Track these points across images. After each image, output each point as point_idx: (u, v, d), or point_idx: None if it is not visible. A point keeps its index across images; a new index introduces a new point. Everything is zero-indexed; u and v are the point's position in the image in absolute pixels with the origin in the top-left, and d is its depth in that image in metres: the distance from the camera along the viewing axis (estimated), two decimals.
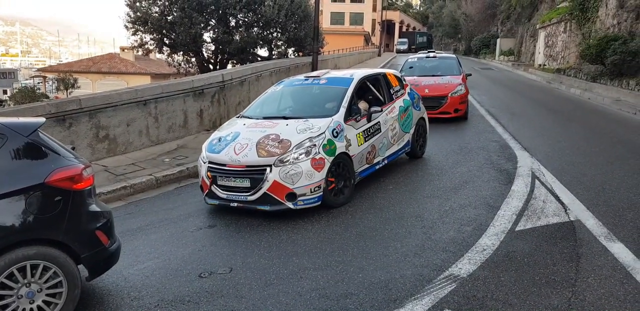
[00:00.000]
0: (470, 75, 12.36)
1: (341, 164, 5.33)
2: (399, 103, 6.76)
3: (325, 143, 5.18)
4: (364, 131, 5.81)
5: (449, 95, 10.34)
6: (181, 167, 7.16)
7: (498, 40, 37.09)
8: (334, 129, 5.37)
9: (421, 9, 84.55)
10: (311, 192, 5.00)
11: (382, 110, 6.12)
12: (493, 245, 4.17)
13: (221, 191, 5.20)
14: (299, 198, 4.96)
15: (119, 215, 5.25)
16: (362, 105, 6.19)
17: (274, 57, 19.88)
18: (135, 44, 19.36)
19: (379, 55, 44.15)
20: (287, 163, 4.96)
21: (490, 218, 4.79)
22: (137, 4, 18.09)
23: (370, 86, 6.55)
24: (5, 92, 32.86)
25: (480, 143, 8.36)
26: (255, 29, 19.05)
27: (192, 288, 3.68)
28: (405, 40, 57.17)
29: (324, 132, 5.26)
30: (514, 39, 35.44)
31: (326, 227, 4.82)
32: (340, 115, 5.56)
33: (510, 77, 22.81)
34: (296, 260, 4.05)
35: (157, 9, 18.26)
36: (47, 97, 24.58)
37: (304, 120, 5.50)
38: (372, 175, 6.53)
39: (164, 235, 4.83)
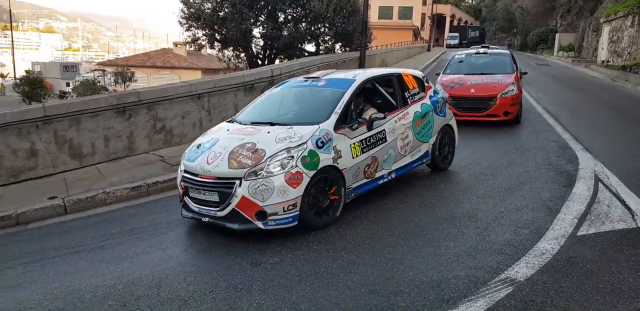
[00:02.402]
0: (525, 73, 11.34)
1: (327, 179, 4.62)
2: (414, 108, 5.87)
3: (306, 155, 4.45)
4: (361, 141, 5.01)
5: (498, 96, 9.32)
6: None
7: (557, 34, 35.55)
8: (319, 139, 4.61)
9: (473, 2, 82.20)
10: (284, 211, 4.30)
11: (384, 117, 5.25)
12: (552, 249, 3.99)
13: (193, 203, 4.72)
14: (270, 218, 4.30)
15: (175, 204, 5.40)
16: (370, 110, 5.41)
17: (321, 52, 19.88)
18: (189, 40, 19.88)
19: (429, 50, 43.30)
20: (258, 177, 4.30)
21: (549, 221, 4.59)
22: (191, 0, 18.53)
23: (380, 88, 5.71)
24: (68, 84, 34.63)
25: (538, 142, 8.02)
26: (304, 24, 19.10)
27: (244, 277, 3.74)
28: (456, 34, 55.76)
29: (305, 142, 4.52)
30: (574, 33, 33.85)
31: (375, 223, 4.77)
32: (329, 123, 4.80)
33: (570, 74, 21.79)
34: (345, 255, 4.03)
35: (209, 5, 18.64)
36: (107, 90, 25.71)
37: (289, 127, 4.79)
38: (422, 173, 6.42)
39: (212, 226, 4.92)
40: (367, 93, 5.67)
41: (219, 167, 4.49)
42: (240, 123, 5.24)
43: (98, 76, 36.82)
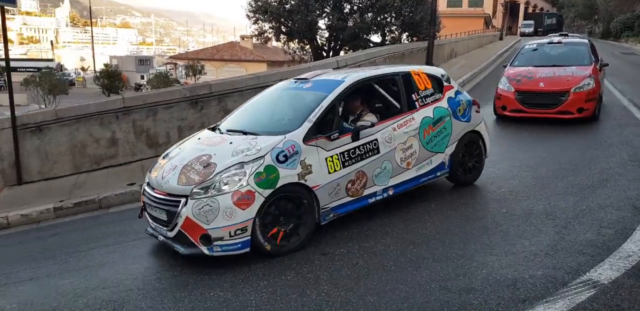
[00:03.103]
0: (606, 65, 10.05)
1: (291, 199, 4.00)
2: (424, 113, 4.98)
3: (261, 171, 3.84)
4: (342, 153, 4.27)
5: (572, 90, 8.32)
6: None
7: None
8: (282, 152, 3.97)
9: None
10: (231, 236, 3.74)
11: (372, 125, 4.52)
12: None
13: (150, 220, 4.34)
14: (215, 243, 3.76)
15: None
16: (369, 116, 4.76)
17: (386, 42, 19.60)
18: (256, 33, 20.31)
19: (501, 38, 41.46)
20: (203, 196, 3.77)
21: (637, 221, 4.25)
22: None
23: (381, 90, 4.88)
24: (142, 77, 36.52)
25: (623, 137, 7.47)
26: (370, 14, 18.89)
27: (312, 266, 3.78)
28: (531, 22, 52.86)
29: (262, 156, 3.91)
30: None
31: (445, 218, 4.65)
32: (299, 133, 4.13)
33: None
34: (414, 249, 3.97)
35: None
36: (179, 82, 26.87)
37: (254, 137, 4.24)
38: (495, 167, 6.16)
39: None
40: (365, 96, 4.89)
41: (169, 182, 4.04)
42: (218, 131, 4.72)
43: (170, 69, 38.55)
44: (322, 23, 19.34)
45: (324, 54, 19.63)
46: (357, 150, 4.40)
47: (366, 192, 4.52)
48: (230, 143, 4.22)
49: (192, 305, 3.33)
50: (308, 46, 20.14)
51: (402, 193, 4.89)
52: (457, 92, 5.51)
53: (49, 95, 20.04)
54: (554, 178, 5.67)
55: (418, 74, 5.20)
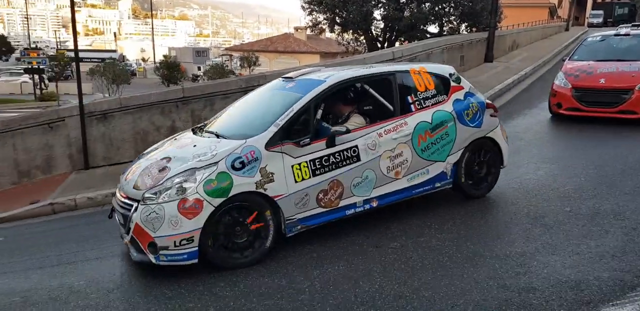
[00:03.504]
0: None
1: (249, 209, 3.74)
2: (420, 117, 4.48)
3: (213, 178, 3.60)
4: (312, 161, 3.93)
5: (636, 88, 7.60)
6: None
7: None
8: (238, 158, 3.71)
9: None
10: (176, 246, 3.53)
11: (347, 131, 4.10)
12: None
13: (118, 223, 4.16)
14: (161, 252, 3.57)
15: None
16: (356, 118, 4.35)
17: (444, 33, 19.09)
18: (310, 24, 20.34)
19: (567, 29, 39.38)
20: (151, 202, 3.61)
21: None
22: None
23: (372, 91, 4.42)
24: (199, 68, 37.57)
25: None
26: (427, 4, 18.44)
27: (365, 258, 3.78)
28: (600, 12, 49.77)
29: (216, 162, 3.67)
30: None
31: (503, 214, 4.51)
32: (262, 138, 3.83)
33: None
34: (471, 246, 3.87)
35: None
36: (234, 74, 27.45)
37: (219, 140, 4.05)
38: (556, 165, 5.89)
39: None
40: (355, 97, 4.47)
41: (128, 185, 3.94)
42: (199, 132, 4.50)
43: (226, 60, 39.44)
44: (377, 13, 19.12)
45: (379, 45, 19.40)
46: (331, 157, 4.02)
47: (343, 203, 4.13)
48: (194, 146, 4.06)
49: (247, 290, 3.42)
50: (362, 37, 19.97)
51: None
52: (469, 94, 4.88)
53: (113, 84, 21.03)
54: (621, 177, 5.36)
55: (419, 73, 4.66)
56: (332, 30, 20.51)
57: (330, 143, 4.00)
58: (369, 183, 4.23)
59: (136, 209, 3.66)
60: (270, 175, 3.79)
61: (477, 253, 3.74)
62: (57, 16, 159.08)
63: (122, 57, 51.58)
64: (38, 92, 29.41)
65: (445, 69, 4.97)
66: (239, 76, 19.73)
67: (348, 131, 4.12)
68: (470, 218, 4.45)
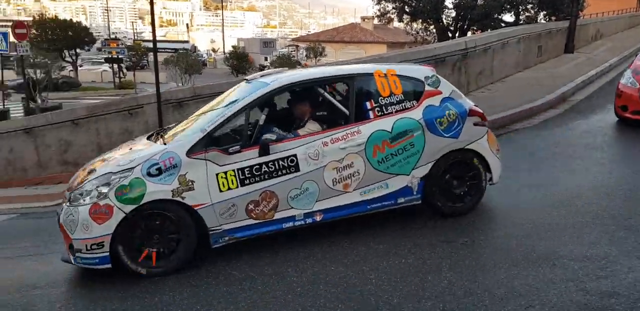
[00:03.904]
0: None
1: (163, 217, 3.62)
2: (379, 124, 4.05)
3: (125, 184, 3.52)
4: (241, 170, 3.72)
5: None
6: None
7: None
8: (155, 164, 3.60)
9: None
10: (87, 250, 3.51)
11: (277, 138, 3.83)
12: None
13: None
14: (76, 254, 3.56)
15: None
16: (312, 125, 4.04)
17: (520, 22, 18.18)
18: (378, 13, 20.08)
19: None
20: (71, 204, 3.63)
21: None
22: None
23: (328, 96, 4.17)
24: (266, 58, 38.25)
25: None
26: None
27: (434, 253, 3.71)
28: None
29: (132, 168, 3.58)
30: None
31: (582, 214, 4.25)
32: (184, 144, 3.71)
33: None
34: (548, 245, 3.69)
35: None
36: (300, 64, 27.74)
37: (150, 145, 4.00)
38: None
39: None
40: (310, 101, 4.19)
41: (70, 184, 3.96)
42: (154, 136, 4.36)
43: (292, 51, 39.90)
44: (449, 2, 18.54)
45: (449, 35, 18.82)
46: (264, 166, 3.77)
47: (278, 216, 3.86)
48: (130, 149, 4.04)
49: (314, 277, 3.46)
50: (432, 26, 19.48)
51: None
52: (447, 99, 4.28)
53: (185, 74, 21.92)
54: None
55: (385, 76, 4.17)
56: (400, 20, 20.15)
57: (264, 152, 3.75)
58: (309, 195, 3.90)
59: (62, 209, 3.71)
60: (190, 183, 3.62)
61: (554, 253, 3.56)
62: (135, 8, 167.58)
63: (194, 48, 53.50)
64: (117, 80, 31.23)
65: (421, 71, 4.37)
66: (305, 66, 19.90)
67: (278, 139, 3.84)
68: (547, 216, 4.24)
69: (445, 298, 3.07)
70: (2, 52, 19.65)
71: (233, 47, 39.73)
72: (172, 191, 3.58)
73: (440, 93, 4.28)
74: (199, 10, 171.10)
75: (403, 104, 4.16)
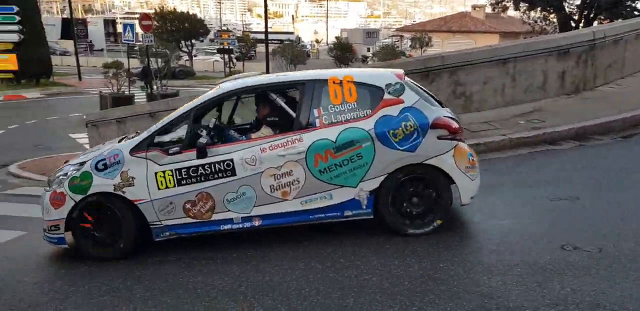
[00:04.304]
0: None
1: (106, 208, 3.99)
2: (322, 133, 3.90)
3: (77, 176, 4.00)
4: (179, 170, 3.89)
5: None
6: (537, 131, 6.80)
7: None
8: (102, 160, 4.01)
9: None
10: (49, 230, 4.10)
11: (206, 143, 3.87)
12: None
13: None
14: (44, 233, 4.20)
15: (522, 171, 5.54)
16: (265, 130, 4.12)
17: None
18: (492, 1, 19.04)
19: None
20: (45, 188, 4.29)
21: None
22: None
23: (280, 102, 4.14)
24: (369, 49, 38.05)
25: None
26: None
27: (553, 258, 3.48)
28: None
29: (85, 162, 4.10)
30: None
31: None
32: (130, 142, 4.07)
33: None
34: None
35: None
36: (404, 54, 27.25)
37: (114, 143, 4.45)
38: None
39: (519, 198, 4.76)
40: (263, 107, 4.27)
41: None
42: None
43: (395, 41, 39.24)
44: None
45: (572, 25, 17.33)
46: (200, 168, 3.88)
47: (216, 217, 3.96)
48: (104, 144, 4.55)
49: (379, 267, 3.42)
50: (553, 15, 18.07)
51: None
52: (408, 109, 3.94)
53: (290, 64, 22.56)
54: None
55: (340, 83, 3.99)
56: (516, 8, 18.96)
57: (201, 155, 3.87)
58: (247, 200, 3.93)
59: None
60: (131, 180, 3.92)
61: None
62: (244, 0, 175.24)
63: (298, 39, 54.79)
64: (227, 70, 33.02)
65: (383, 78, 4.05)
66: (410, 57, 19.48)
67: (208, 143, 3.89)
68: None
69: (568, 307, 2.86)
70: (129, 41, 21.67)
71: (336, 37, 40.07)
72: (114, 185, 3.94)
73: (402, 102, 3.96)
74: (303, 2, 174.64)
75: (355, 113, 3.96)
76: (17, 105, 20.98)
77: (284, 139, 3.94)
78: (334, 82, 4.01)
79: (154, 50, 22.22)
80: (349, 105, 3.97)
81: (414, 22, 67.50)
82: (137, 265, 3.88)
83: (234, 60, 34.58)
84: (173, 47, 26.78)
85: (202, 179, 3.92)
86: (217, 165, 3.91)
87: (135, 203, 3.96)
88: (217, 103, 4.32)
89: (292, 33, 65.48)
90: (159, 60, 21.94)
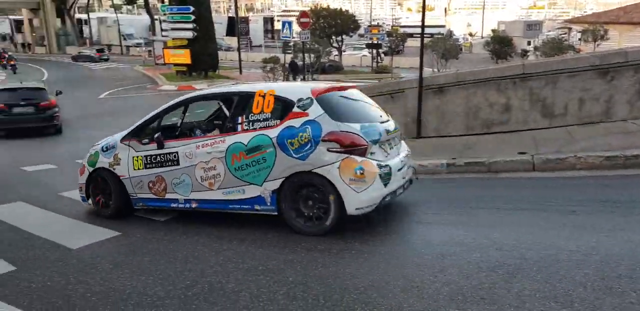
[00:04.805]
0: None
1: (104, 179, 5.37)
2: (240, 137, 4.57)
3: (92, 154, 5.51)
4: (145, 156, 5.07)
5: None
6: None
7: None
8: (106, 144, 5.42)
9: None
10: (79, 190, 5.66)
11: (157, 137, 4.97)
12: None
13: None
14: (79, 192, 5.71)
15: None
16: (215, 131, 5.12)
17: None
18: None
19: None
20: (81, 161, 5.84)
21: None
22: None
23: (224, 108, 5.20)
24: (529, 43, 35.11)
25: None
26: None
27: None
28: None
29: (98, 144, 5.57)
30: None
31: None
32: (121, 134, 5.39)
33: None
34: None
35: None
36: (573, 49, 24.54)
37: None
38: None
39: None
40: (213, 112, 5.67)
41: None
42: None
43: (562, 34, 35.53)
44: None
45: None
46: (158, 157, 4.99)
47: (168, 196, 5.01)
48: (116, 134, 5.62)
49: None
50: None
51: None
52: (309, 122, 4.34)
53: (441, 59, 21.80)
54: None
55: (264, 96, 4.62)
56: None
57: (159, 146, 4.96)
58: (186, 185, 4.89)
59: None
60: (119, 160, 5.25)
61: None
62: None
63: (450, 32, 52.76)
64: (374, 64, 33.22)
65: (298, 94, 4.52)
66: (579, 52, 17.50)
67: (161, 137, 4.96)
68: None
69: None
70: (286, 38, 22.97)
71: (492, 30, 37.68)
72: (109, 163, 5.32)
73: (306, 115, 4.38)
74: None
75: (267, 122, 4.52)
76: None
77: (213, 140, 4.76)
78: (259, 95, 4.65)
79: (308, 46, 23.27)
80: (265, 115, 4.56)
81: (585, 13, 60.44)
82: (290, 251, 4.09)
83: (382, 55, 34.65)
84: (325, 43, 27.73)
85: (159, 165, 5.02)
86: (168, 155, 4.96)
87: (120, 178, 5.25)
88: (180, 106, 5.27)
89: (443, 26, 63.11)
90: (312, 55, 22.94)
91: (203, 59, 27.58)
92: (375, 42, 31.92)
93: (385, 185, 4.32)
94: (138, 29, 56.30)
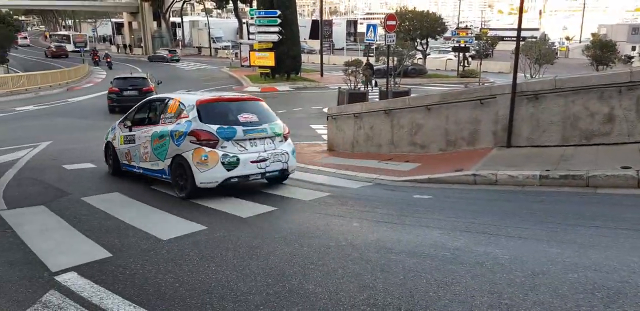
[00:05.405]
0: None
1: (110, 148, 8.13)
2: (158, 128, 6.88)
3: (109, 131, 8.36)
4: (124, 136, 7.69)
5: None
6: None
7: None
8: (113, 126, 8.24)
9: None
10: (104, 159, 8.56)
11: (129, 125, 7.67)
12: None
13: None
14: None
15: None
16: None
17: None
18: None
19: None
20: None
21: None
22: None
23: (164, 108, 7.05)
24: (634, 48, 32.26)
25: None
26: None
27: None
28: None
29: (114, 124, 8.26)
30: None
31: None
32: (120, 119, 8.06)
33: None
34: None
35: None
36: None
37: None
38: None
39: None
40: (161, 109, 7.28)
41: None
42: None
43: None
44: None
45: None
46: (128, 137, 7.56)
47: (133, 164, 7.47)
48: None
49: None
50: None
51: None
52: (187, 122, 6.40)
53: (535, 64, 20.54)
54: None
55: (176, 102, 6.82)
56: None
57: (130, 130, 7.54)
58: (137, 157, 7.31)
59: None
60: (115, 136, 7.96)
61: None
62: None
63: (544, 36, 49.81)
64: (460, 68, 32.13)
65: (189, 101, 6.60)
66: None
67: (123, 125, 7.82)
68: None
69: None
70: (370, 41, 22.80)
71: (592, 34, 35.01)
72: (111, 138, 8.14)
73: (187, 117, 6.45)
74: None
75: (171, 119, 6.72)
76: (270, 96, 24.35)
77: (148, 128, 7.11)
78: (174, 101, 6.88)
79: (392, 49, 22.98)
80: (171, 115, 6.79)
81: None
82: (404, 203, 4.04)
83: (469, 59, 33.45)
84: (410, 46, 27.28)
85: (128, 143, 7.56)
86: (131, 136, 7.49)
87: (115, 149, 7.95)
88: (145, 105, 7.70)
89: (537, 29, 59.69)
90: (395, 58, 22.60)
91: (287, 61, 28.23)
92: (463, 45, 30.91)
93: (229, 170, 6.12)
94: (227, 32, 58.99)
